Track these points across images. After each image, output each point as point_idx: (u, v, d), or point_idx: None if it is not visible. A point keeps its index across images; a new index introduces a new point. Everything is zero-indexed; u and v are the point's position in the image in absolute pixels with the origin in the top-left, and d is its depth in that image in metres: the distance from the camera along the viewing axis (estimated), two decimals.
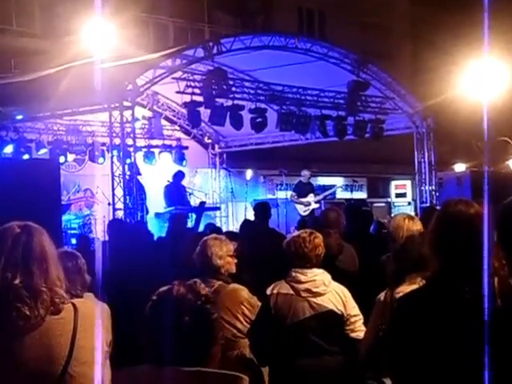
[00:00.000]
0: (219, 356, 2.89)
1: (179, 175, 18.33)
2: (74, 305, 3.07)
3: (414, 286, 4.51)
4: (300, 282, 5.49)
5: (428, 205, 18.08)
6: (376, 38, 27.76)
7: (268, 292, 5.57)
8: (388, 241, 6.62)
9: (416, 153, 19.28)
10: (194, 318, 2.75)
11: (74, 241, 14.79)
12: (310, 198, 18.65)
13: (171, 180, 18.04)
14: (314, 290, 5.44)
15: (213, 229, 10.06)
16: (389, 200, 25.45)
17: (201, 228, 14.09)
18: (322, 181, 23.98)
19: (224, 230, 14.69)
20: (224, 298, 5.52)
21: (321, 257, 5.59)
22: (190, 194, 18.50)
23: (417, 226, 6.15)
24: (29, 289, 2.99)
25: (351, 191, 24.08)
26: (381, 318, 4.90)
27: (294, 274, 5.54)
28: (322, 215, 8.72)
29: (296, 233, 5.91)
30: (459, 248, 3.03)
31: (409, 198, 25.71)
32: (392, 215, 22.02)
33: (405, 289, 4.66)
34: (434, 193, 19.12)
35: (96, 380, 2.99)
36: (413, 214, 20.67)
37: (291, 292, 5.48)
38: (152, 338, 2.80)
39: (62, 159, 17.10)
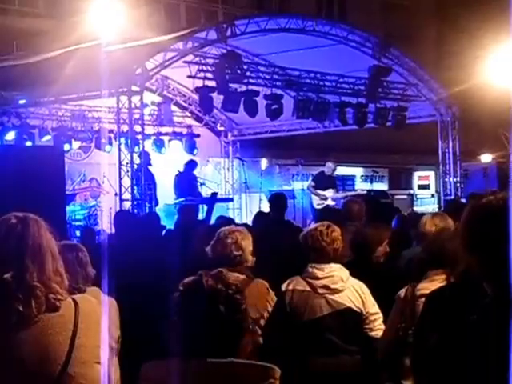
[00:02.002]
0: (250, 347, 2.93)
1: (191, 164, 18.31)
2: (74, 301, 3.04)
3: (436, 283, 4.54)
4: (317, 278, 5.47)
5: (452, 197, 18.04)
6: (399, 20, 27.65)
7: (283, 288, 5.56)
8: (412, 237, 6.62)
9: (440, 142, 19.21)
10: (228, 308, 2.79)
11: (78, 233, 14.82)
12: (329, 192, 18.48)
13: (182, 169, 18.04)
14: (332, 286, 5.43)
15: (225, 221, 10.06)
16: (411, 192, 25.40)
17: (212, 220, 14.10)
18: (341, 171, 23.93)
19: (237, 222, 14.69)
20: (249, 293, 5.50)
21: (339, 251, 5.57)
22: (202, 184, 18.48)
23: (446, 223, 6.12)
24: (20, 283, 2.95)
25: (371, 182, 24.03)
26: (400, 316, 4.90)
27: (310, 269, 5.52)
28: (344, 207, 8.73)
29: (313, 226, 5.90)
30: (495, 243, 3.02)
31: (432, 190, 25.65)
32: (414, 208, 22.04)
33: (426, 286, 4.66)
34: (458, 185, 19.07)
35: (102, 381, 2.98)
36: (436, 206, 20.69)
37: (308, 288, 5.47)
38: (180, 330, 2.82)
39: (66, 147, 17.13)
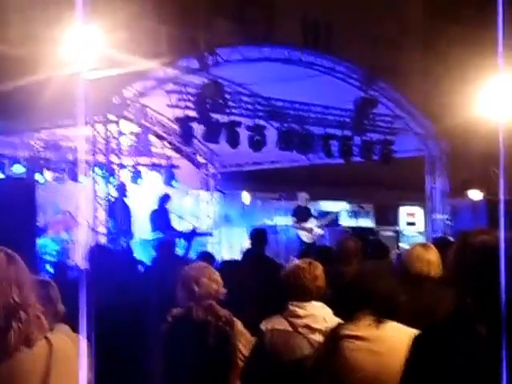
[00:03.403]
0: (237, 382, 2.93)
1: (164, 199, 18.25)
2: (47, 339, 3.03)
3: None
4: (298, 317, 5.41)
5: (440, 235, 18.09)
6: (386, 52, 27.88)
7: (263, 327, 5.51)
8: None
9: (427, 178, 19.30)
10: (218, 340, 2.79)
11: (50, 268, 14.71)
12: (312, 223, 18.64)
13: (157, 204, 17.99)
14: (314, 325, 5.37)
15: (207, 257, 10.05)
16: (397, 228, 25.44)
17: (192, 255, 14.06)
18: (325, 206, 23.97)
19: (217, 257, 14.65)
20: None
21: (321, 289, 5.56)
22: (180, 217, 18.45)
23: (430, 254, 6.15)
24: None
25: (356, 218, 24.07)
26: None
27: (291, 307, 5.48)
28: (340, 246, 8.72)
29: (295, 262, 5.90)
30: (484, 281, 3.04)
31: (419, 227, 25.71)
32: (400, 245, 22.07)
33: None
34: (447, 222, 19.13)
35: None
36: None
37: (288, 328, 5.41)
38: (168, 362, 2.81)
39: (39, 177, 17.07)
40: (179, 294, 5.71)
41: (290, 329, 5.40)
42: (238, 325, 5.68)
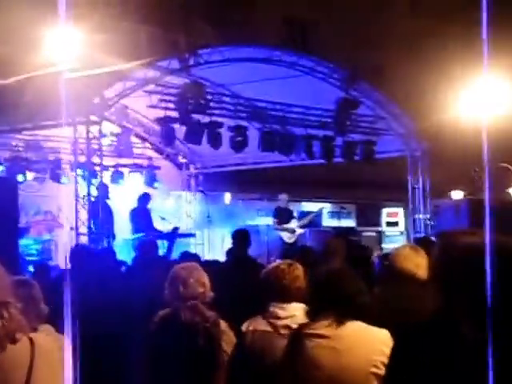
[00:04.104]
0: (223, 382, 2.95)
1: (144, 198, 18.22)
2: (30, 338, 3.04)
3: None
4: (279, 318, 5.43)
5: (422, 235, 18.15)
6: (368, 53, 27.93)
7: (243, 329, 5.52)
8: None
9: (409, 178, 19.37)
10: (206, 341, 2.81)
11: (31, 268, 14.67)
12: (293, 223, 18.70)
13: (136, 204, 17.96)
14: (294, 326, 5.39)
15: (190, 258, 10.04)
16: (379, 229, 25.50)
17: (174, 256, 14.06)
18: (307, 207, 24.01)
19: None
20: None
21: (301, 290, 5.57)
22: (162, 218, 18.43)
23: (419, 257, 6.15)
24: None
25: (339, 218, 24.12)
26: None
27: (272, 308, 5.50)
28: (325, 244, 8.76)
29: (275, 263, 5.90)
30: (466, 282, 3.06)
31: (401, 227, 25.78)
32: (382, 245, 22.15)
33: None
34: (428, 222, 19.19)
35: None
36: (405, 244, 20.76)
37: (269, 329, 5.43)
38: (155, 363, 2.82)
39: (20, 178, 17.01)
40: (166, 292, 5.72)
41: (271, 330, 5.42)
42: (222, 324, 5.70)
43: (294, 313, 5.46)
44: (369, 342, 4.57)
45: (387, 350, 4.36)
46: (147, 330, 2.89)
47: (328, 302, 4.74)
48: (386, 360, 4.33)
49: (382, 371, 4.39)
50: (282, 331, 5.39)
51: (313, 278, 5.30)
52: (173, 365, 2.82)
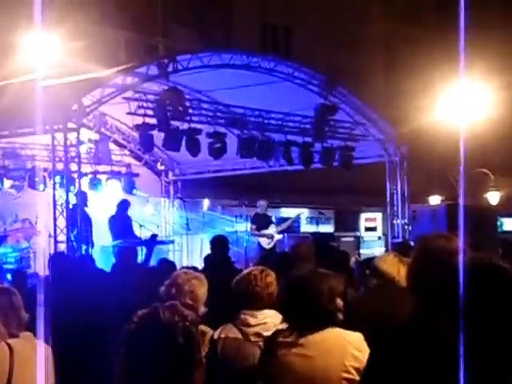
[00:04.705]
0: (201, 381, 2.96)
1: (123, 205, 18.19)
2: (8, 345, 3.04)
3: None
4: (249, 326, 5.44)
5: (400, 240, 18.21)
6: (347, 57, 28.04)
7: (215, 336, 5.53)
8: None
9: (388, 183, 19.42)
10: (185, 340, 2.82)
11: (9, 276, 14.60)
12: (272, 229, 18.75)
13: (115, 210, 17.92)
14: (265, 333, 5.33)
15: (167, 265, 10.03)
16: (358, 234, 25.59)
17: (152, 263, 14.03)
18: (286, 212, 24.05)
19: (177, 265, 14.61)
20: None
21: (273, 296, 5.57)
22: (141, 225, 18.40)
23: (403, 266, 6.16)
24: None
25: (317, 224, 24.19)
26: None
27: (242, 316, 5.50)
28: (293, 249, 8.78)
29: (246, 270, 5.90)
30: (440, 285, 3.08)
31: (379, 232, 25.88)
32: (361, 250, 22.21)
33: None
34: (406, 227, 19.25)
35: None
36: (383, 249, 20.86)
37: (239, 336, 5.43)
38: (134, 365, 2.82)
39: None
40: (161, 289, 5.72)
41: (241, 337, 5.42)
42: (201, 326, 5.68)
43: (265, 320, 5.45)
44: (340, 348, 4.56)
45: (359, 355, 4.39)
46: (126, 329, 2.90)
47: (299, 308, 4.72)
48: (357, 365, 4.37)
49: (353, 376, 4.41)
50: (253, 338, 5.39)
51: (284, 284, 5.29)
52: (152, 363, 2.83)
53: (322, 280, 4.79)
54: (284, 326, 5.26)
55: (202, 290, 5.72)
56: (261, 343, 5.31)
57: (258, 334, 5.38)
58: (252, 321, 5.45)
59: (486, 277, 3.00)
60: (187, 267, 10.12)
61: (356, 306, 5.59)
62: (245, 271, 5.85)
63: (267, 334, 5.30)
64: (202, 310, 5.68)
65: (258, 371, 4.87)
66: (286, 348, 4.63)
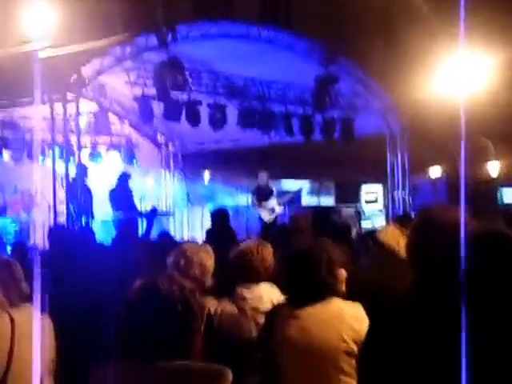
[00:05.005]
0: (199, 348, 2.98)
1: (124, 177, 18.15)
2: (10, 316, 3.05)
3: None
4: (245, 300, 5.43)
5: (401, 212, 18.22)
6: (347, 29, 27.88)
7: (211, 310, 5.54)
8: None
9: (389, 155, 19.40)
10: (185, 308, 2.84)
11: (9, 248, 14.62)
12: (273, 202, 18.71)
13: (115, 183, 17.89)
14: (261, 307, 5.36)
15: (167, 238, 10.03)
16: (359, 206, 25.56)
17: (153, 235, 14.05)
18: (286, 185, 24.02)
19: (178, 237, 14.65)
20: None
21: (270, 270, 5.55)
22: (141, 198, 18.38)
23: (403, 237, 6.16)
24: None
25: (318, 196, 24.17)
26: None
27: (238, 290, 5.48)
28: (291, 222, 8.79)
29: (244, 244, 5.88)
30: (440, 258, 3.07)
31: (380, 204, 25.87)
32: (362, 222, 22.21)
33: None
34: (407, 199, 19.25)
35: None
36: (384, 221, 20.88)
37: (236, 310, 5.43)
38: (134, 332, 2.84)
39: None
40: (168, 260, 5.70)
41: (237, 311, 5.40)
42: (208, 297, 5.66)
43: (261, 293, 5.43)
44: (339, 319, 4.55)
45: (358, 326, 4.39)
46: (125, 298, 2.92)
47: (298, 279, 4.71)
48: (356, 336, 4.37)
49: (352, 347, 4.41)
50: (249, 312, 5.38)
51: (283, 255, 5.28)
52: (151, 332, 2.85)
53: (322, 251, 4.76)
54: (281, 299, 5.27)
55: (209, 262, 5.70)
56: (256, 317, 5.32)
57: (254, 308, 5.37)
58: (248, 294, 5.44)
59: (491, 246, 2.98)
60: (187, 241, 10.14)
61: (356, 277, 5.59)
62: (242, 245, 5.81)
63: (263, 307, 5.31)
64: (210, 282, 5.66)
65: (258, 344, 4.87)
66: (286, 320, 4.63)
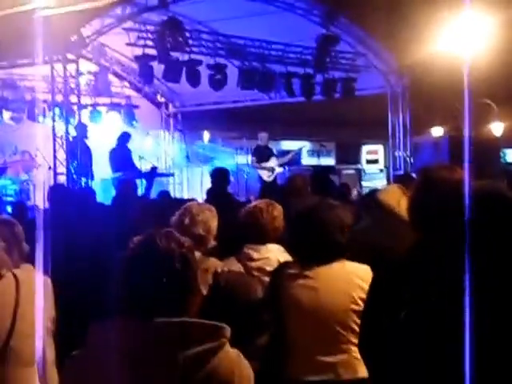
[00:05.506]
0: (197, 306, 2.98)
1: (124, 137, 18.10)
2: (14, 275, 3.07)
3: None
4: (252, 260, 5.41)
5: (402, 172, 18.21)
6: None
7: (218, 269, 5.53)
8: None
9: (390, 115, 19.34)
10: (183, 266, 2.84)
11: (9, 209, 14.63)
12: (273, 162, 18.69)
13: (115, 143, 17.85)
14: (268, 268, 5.32)
15: (167, 196, 10.04)
16: (359, 167, 25.57)
17: (152, 195, 14.06)
18: (287, 145, 24.00)
19: (177, 197, 14.65)
20: None
21: (279, 231, 5.53)
22: (141, 158, 18.36)
23: (405, 198, 6.14)
24: None
25: (318, 157, 24.15)
26: None
27: (246, 250, 5.46)
28: (288, 182, 8.77)
29: (253, 203, 5.86)
30: (443, 215, 3.06)
31: (381, 164, 25.86)
32: (362, 183, 22.23)
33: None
34: (408, 159, 19.23)
35: (37, 354, 2.99)
36: (385, 181, 20.88)
37: (242, 270, 5.41)
38: (131, 288, 2.85)
39: None
40: (172, 218, 5.68)
41: (244, 271, 5.40)
42: (197, 254, 5.63)
43: (268, 255, 5.41)
44: (348, 279, 4.56)
45: (366, 286, 4.39)
46: (123, 255, 2.92)
47: (308, 239, 4.70)
48: (364, 296, 4.37)
49: (361, 307, 4.41)
50: (255, 273, 5.37)
51: (291, 215, 5.26)
52: (149, 289, 2.86)
53: (333, 211, 4.75)
54: (288, 258, 5.27)
55: (214, 222, 5.67)
56: (263, 278, 5.32)
57: (261, 269, 5.36)
58: (255, 255, 5.42)
59: (492, 203, 2.97)
60: (188, 199, 10.14)
61: (355, 238, 5.58)
62: (251, 204, 5.79)
63: (269, 268, 5.29)
64: (213, 242, 5.64)
65: (265, 304, 4.87)
66: (293, 280, 4.64)
